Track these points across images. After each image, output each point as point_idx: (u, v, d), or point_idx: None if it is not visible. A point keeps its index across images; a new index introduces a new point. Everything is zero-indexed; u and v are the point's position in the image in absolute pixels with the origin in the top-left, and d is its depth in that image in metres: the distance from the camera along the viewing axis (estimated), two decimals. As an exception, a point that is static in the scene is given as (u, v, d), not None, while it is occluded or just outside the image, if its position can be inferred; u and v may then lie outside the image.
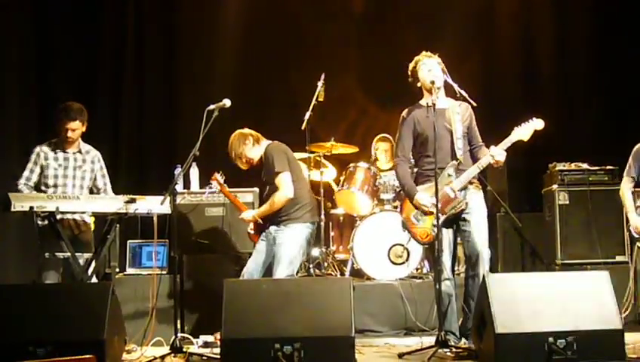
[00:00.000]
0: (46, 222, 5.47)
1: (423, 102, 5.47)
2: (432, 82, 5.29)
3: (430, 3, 8.57)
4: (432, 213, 5.24)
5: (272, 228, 5.79)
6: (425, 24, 8.48)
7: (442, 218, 5.20)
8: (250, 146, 5.81)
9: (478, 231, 5.27)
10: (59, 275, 5.75)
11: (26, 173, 5.85)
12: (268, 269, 5.78)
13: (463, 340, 5.33)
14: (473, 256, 5.26)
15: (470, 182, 5.34)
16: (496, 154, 5.21)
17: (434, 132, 5.19)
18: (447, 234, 5.34)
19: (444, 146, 5.30)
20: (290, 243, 5.70)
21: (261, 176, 5.90)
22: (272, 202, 5.71)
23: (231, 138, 5.85)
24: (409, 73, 5.49)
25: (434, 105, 5.26)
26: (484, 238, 5.29)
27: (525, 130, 5.27)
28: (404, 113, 5.49)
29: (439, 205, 5.13)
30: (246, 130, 5.87)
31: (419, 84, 5.46)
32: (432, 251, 5.43)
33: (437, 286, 5.19)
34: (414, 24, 8.49)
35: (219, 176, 6.01)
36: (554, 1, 8.53)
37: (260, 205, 5.98)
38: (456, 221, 5.36)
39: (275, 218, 5.76)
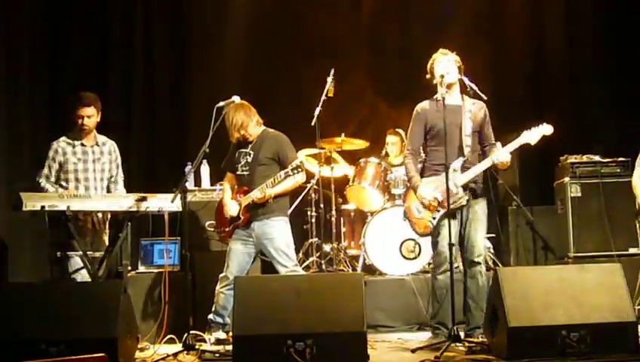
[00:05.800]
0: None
1: (436, 97, 5.50)
2: (442, 76, 5.35)
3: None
4: (432, 207, 5.32)
5: (255, 225, 5.64)
6: (434, 20, 8.44)
7: (442, 211, 5.29)
8: (254, 124, 5.70)
9: (479, 236, 5.37)
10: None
11: (45, 171, 5.79)
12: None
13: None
14: (470, 258, 5.38)
15: (476, 189, 5.37)
16: (501, 155, 5.26)
17: (444, 127, 5.22)
18: (452, 227, 5.23)
19: (453, 142, 5.33)
20: (282, 234, 5.65)
21: (245, 157, 5.73)
22: (290, 184, 5.61)
23: (236, 106, 5.64)
24: (427, 70, 5.53)
25: (443, 99, 5.32)
26: (482, 244, 5.43)
27: (534, 135, 5.28)
28: (417, 107, 5.56)
29: (441, 199, 5.26)
30: (252, 108, 5.73)
31: (435, 81, 5.48)
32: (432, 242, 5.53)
33: (433, 278, 5.45)
34: (424, 20, 8.45)
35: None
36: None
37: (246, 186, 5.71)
38: (460, 217, 5.40)
39: (258, 212, 5.64)
